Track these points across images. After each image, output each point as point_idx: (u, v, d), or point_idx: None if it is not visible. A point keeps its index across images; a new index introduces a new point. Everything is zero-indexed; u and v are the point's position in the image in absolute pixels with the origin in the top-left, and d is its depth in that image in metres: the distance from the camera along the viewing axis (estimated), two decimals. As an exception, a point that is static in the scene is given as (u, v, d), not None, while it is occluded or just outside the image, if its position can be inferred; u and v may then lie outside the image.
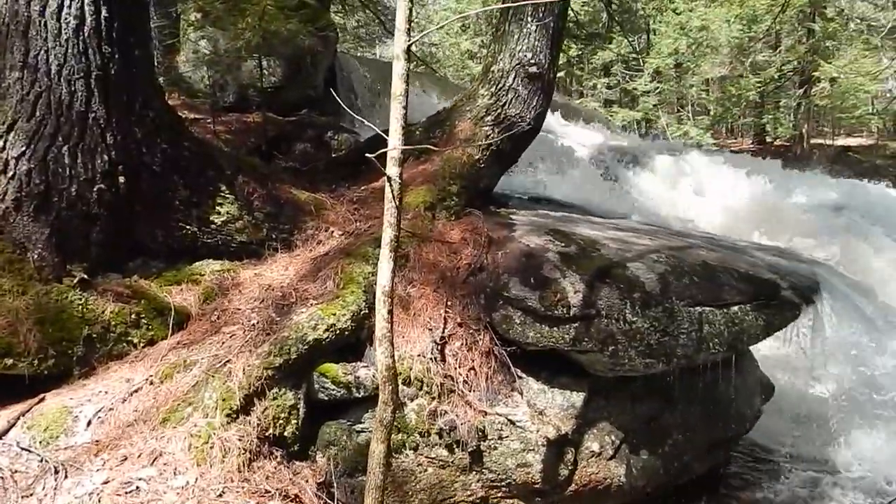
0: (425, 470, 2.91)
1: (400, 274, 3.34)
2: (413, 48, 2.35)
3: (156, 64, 4.32)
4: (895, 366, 3.98)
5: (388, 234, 2.25)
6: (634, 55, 17.56)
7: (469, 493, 2.96)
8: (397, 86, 2.24)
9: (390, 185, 2.22)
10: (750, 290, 3.50)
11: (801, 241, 6.88)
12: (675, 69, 18.50)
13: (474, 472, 2.96)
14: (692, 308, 3.31)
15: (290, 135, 5.85)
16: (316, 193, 3.85)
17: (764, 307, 3.50)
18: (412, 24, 2.21)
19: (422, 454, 2.91)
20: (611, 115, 17.92)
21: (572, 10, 8.75)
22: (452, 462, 2.93)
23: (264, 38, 4.95)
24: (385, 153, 2.21)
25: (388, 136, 2.22)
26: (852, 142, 18.76)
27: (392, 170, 2.23)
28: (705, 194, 7.13)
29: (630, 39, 17.33)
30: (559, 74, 19.44)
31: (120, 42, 3.06)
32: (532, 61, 4.15)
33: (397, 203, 2.24)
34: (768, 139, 18.95)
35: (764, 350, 4.30)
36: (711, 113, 17.89)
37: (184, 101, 6.10)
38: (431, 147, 3.76)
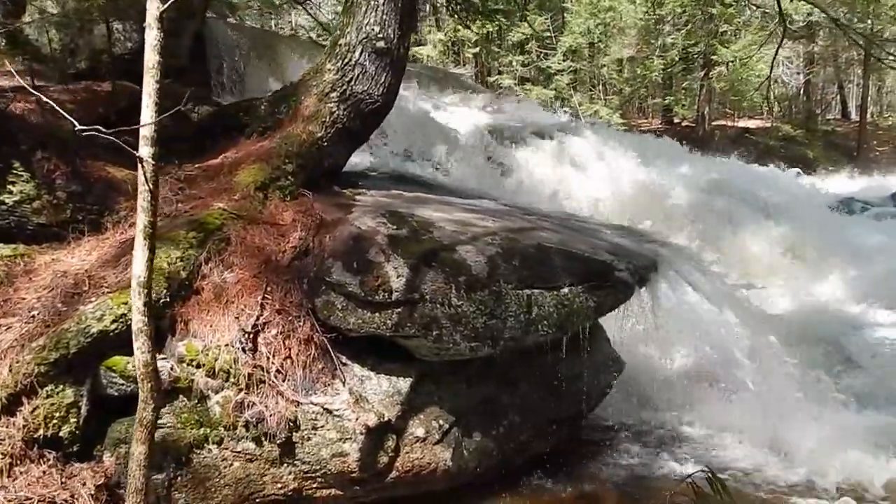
0: (231, 464, 2.79)
1: (218, 258, 3.18)
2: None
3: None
4: (727, 339, 4.11)
5: (141, 220, 2.09)
6: (549, 34, 17.62)
7: (280, 485, 2.86)
8: (150, 57, 2.07)
9: (142, 167, 2.05)
10: (582, 272, 3.51)
11: (669, 221, 7.11)
12: (589, 48, 18.72)
13: (286, 465, 2.86)
14: (521, 291, 3.29)
15: (147, 107, 5.49)
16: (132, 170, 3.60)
17: (595, 288, 3.53)
18: (163, -9, 2.03)
19: (227, 448, 2.79)
20: (525, 93, 18.00)
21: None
22: (261, 455, 2.82)
23: (114, -1, 4.59)
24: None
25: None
26: (752, 124, 19.61)
27: (144, 150, 2.07)
28: (589, 174, 7.20)
29: (544, 17, 17.39)
30: (473, 50, 19.34)
31: None
32: (380, 35, 4.00)
33: (150, 186, 2.08)
34: (676, 120, 19.52)
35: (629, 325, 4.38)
36: (622, 92, 18.23)
37: (30, 66, 5.61)
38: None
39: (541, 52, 18.18)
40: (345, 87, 3.99)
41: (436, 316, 3.09)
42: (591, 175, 6.98)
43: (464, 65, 19.30)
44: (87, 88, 5.56)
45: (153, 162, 2.05)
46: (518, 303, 3.27)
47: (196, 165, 3.88)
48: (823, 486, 3.51)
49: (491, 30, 18.25)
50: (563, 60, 17.76)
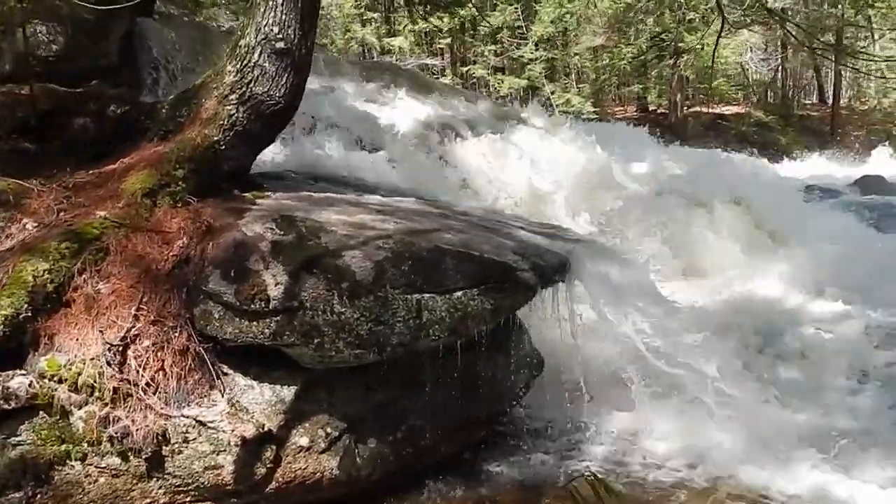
0: (96, 480, 2.74)
1: (94, 269, 3.12)
2: None
3: None
4: (639, 339, 4.07)
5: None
6: (520, 23, 17.53)
7: (150, 500, 2.82)
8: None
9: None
10: (478, 274, 3.46)
11: (621, 214, 7.06)
12: (562, 36, 18.64)
13: (155, 479, 2.81)
14: (409, 296, 3.24)
15: (69, 109, 5.40)
16: (30, 178, 3.54)
17: (493, 290, 3.48)
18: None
19: (91, 464, 2.74)
20: (498, 83, 17.93)
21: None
22: (127, 470, 2.77)
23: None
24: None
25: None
26: (727, 110, 19.58)
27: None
28: (538, 169, 7.11)
29: (514, 6, 17.28)
30: (446, 40, 19.23)
31: None
32: (279, 36, 3.92)
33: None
34: (651, 107, 19.49)
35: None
36: (595, 81, 18.16)
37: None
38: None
39: (513, 42, 18.08)
40: (244, 88, 3.91)
41: (317, 324, 3.04)
42: (536, 168, 6.91)
43: (436, 55, 19.19)
44: (9, 93, 5.46)
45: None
46: (407, 308, 3.22)
47: (90, 172, 3.81)
48: (730, 490, 3.47)
49: (464, 19, 18.16)
50: (536, 50, 17.68)
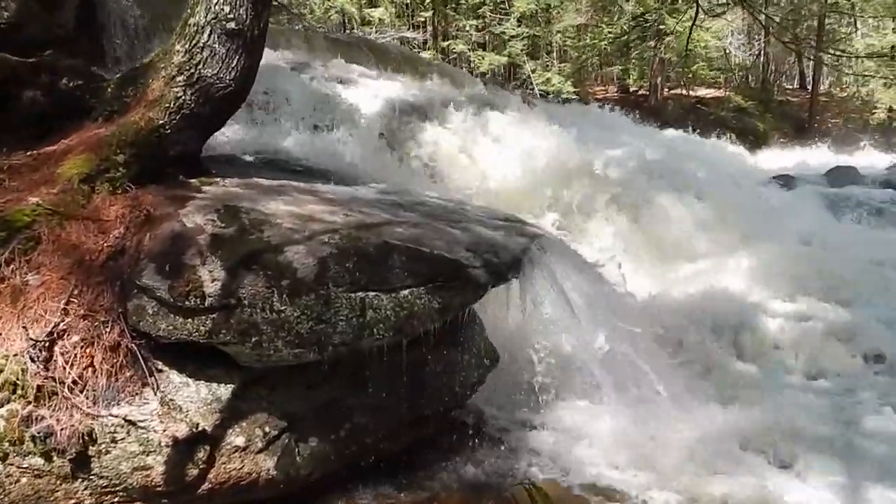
0: (17, 480, 2.66)
1: (24, 259, 2.99)
2: None
3: None
4: (590, 338, 4.04)
5: None
6: (502, -2, 17.25)
7: (75, 501, 2.74)
8: None
9: None
10: (427, 272, 3.39)
11: (587, 203, 7.01)
12: (544, 13, 18.37)
13: (80, 480, 2.73)
14: (353, 294, 3.16)
15: (21, 80, 5.18)
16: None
17: (441, 289, 3.41)
18: None
19: (12, 464, 2.65)
20: (478, 59, 17.68)
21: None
22: (51, 471, 2.69)
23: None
24: None
25: None
26: (707, 94, 19.53)
27: None
28: (507, 156, 7.01)
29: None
30: (426, 14, 18.86)
31: None
32: (230, 16, 3.77)
33: None
34: (633, 89, 19.37)
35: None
36: (577, 60, 17.98)
37: None
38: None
39: (494, 17, 17.79)
40: (192, 70, 3.76)
41: (255, 322, 2.96)
42: (505, 155, 6.81)
43: (417, 28, 18.84)
44: (-45, 62, 5.22)
45: None
46: (350, 306, 3.14)
47: (28, 153, 3.65)
48: (676, 494, 3.42)
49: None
50: (518, 26, 17.42)
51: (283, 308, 2.99)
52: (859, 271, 6.57)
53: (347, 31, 18.06)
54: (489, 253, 3.77)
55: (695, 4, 5.56)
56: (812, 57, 15.01)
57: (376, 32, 17.15)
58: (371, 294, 3.20)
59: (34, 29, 5.78)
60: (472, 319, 4.15)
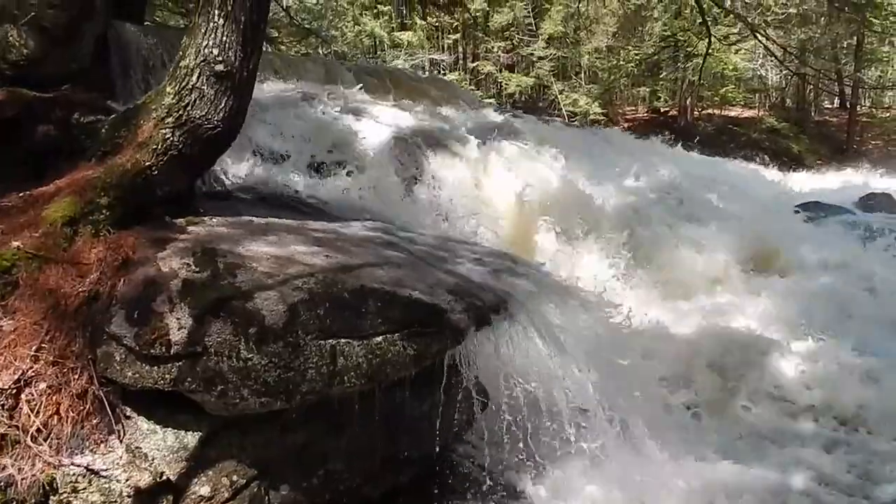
0: (-23, 530, 2.68)
1: (1, 303, 3.04)
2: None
3: None
4: (587, 380, 3.90)
5: None
6: (529, 19, 17.24)
7: (34, 550, 2.74)
8: None
9: None
10: (402, 318, 3.33)
11: (596, 233, 6.84)
12: (572, 35, 18.29)
13: (40, 530, 2.74)
14: (323, 341, 3.12)
15: (36, 115, 5.33)
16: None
17: (417, 335, 3.34)
18: None
19: (-28, 513, 2.67)
20: (505, 81, 17.68)
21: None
22: (11, 520, 2.70)
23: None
24: None
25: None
26: (740, 114, 19.10)
27: None
28: (513, 187, 6.90)
29: (524, 2, 16.99)
30: (454, 37, 18.97)
31: None
32: (219, 59, 3.81)
33: None
34: (663, 109, 19.10)
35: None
36: (604, 81, 17.83)
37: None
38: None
39: (522, 39, 17.79)
40: (181, 112, 3.80)
41: (221, 370, 2.94)
42: (510, 184, 6.71)
43: (445, 51, 18.97)
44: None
45: None
46: (320, 354, 3.10)
47: (20, 195, 3.73)
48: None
49: (476, 14, 17.89)
50: (546, 48, 17.38)
51: (249, 356, 2.97)
52: (884, 305, 6.28)
53: (378, 55, 18.29)
54: (472, 296, 3.69)
55: (707, 36, 5.41)
56: (849, 77, 14.51)
57: (406, 55, 17.33)
58: (342, 341, 3.16)
59: (51, 64, 5.95)
60: (460, 360, 4.07)
